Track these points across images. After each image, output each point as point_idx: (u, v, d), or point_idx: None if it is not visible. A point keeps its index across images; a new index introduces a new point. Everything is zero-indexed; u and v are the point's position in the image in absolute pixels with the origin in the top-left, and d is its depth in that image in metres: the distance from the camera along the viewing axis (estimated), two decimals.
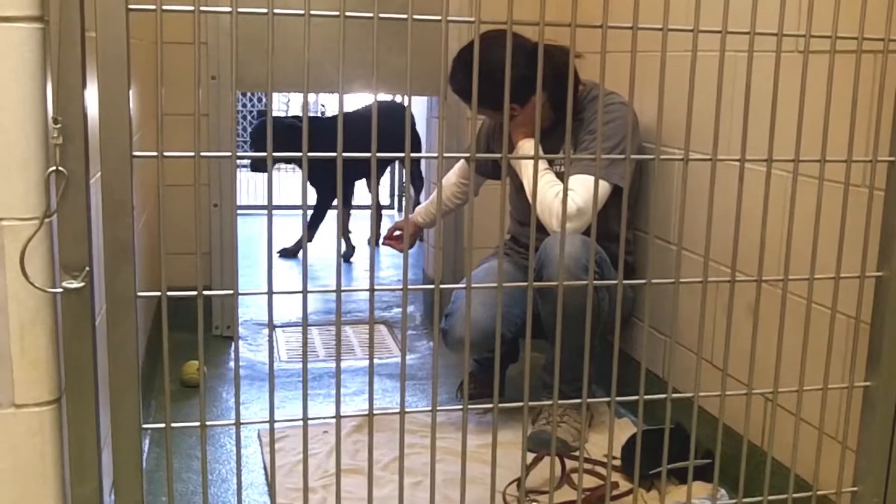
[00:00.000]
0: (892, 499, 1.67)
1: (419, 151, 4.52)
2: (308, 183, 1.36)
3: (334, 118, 4.84)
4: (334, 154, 1.31)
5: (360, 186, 5.66)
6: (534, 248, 1.53)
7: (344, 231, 5.10)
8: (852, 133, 1.54)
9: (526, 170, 2.51)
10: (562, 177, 2.40)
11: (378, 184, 5.47)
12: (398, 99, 5.21)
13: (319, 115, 6.40)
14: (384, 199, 6.74)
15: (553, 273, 2.32)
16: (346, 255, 5.06)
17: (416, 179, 5.38)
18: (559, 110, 2.54)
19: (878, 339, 1.64)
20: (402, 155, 1.38)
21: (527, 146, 2.49)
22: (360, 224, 5.77)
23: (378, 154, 1.33)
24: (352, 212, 5.28)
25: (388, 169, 6.33)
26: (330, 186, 4.87)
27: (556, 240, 2.32)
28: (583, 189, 2.36)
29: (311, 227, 4.98)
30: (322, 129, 4.03)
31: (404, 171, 6.18)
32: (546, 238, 2.42)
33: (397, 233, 3.00)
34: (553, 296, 2.37)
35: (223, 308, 3.43)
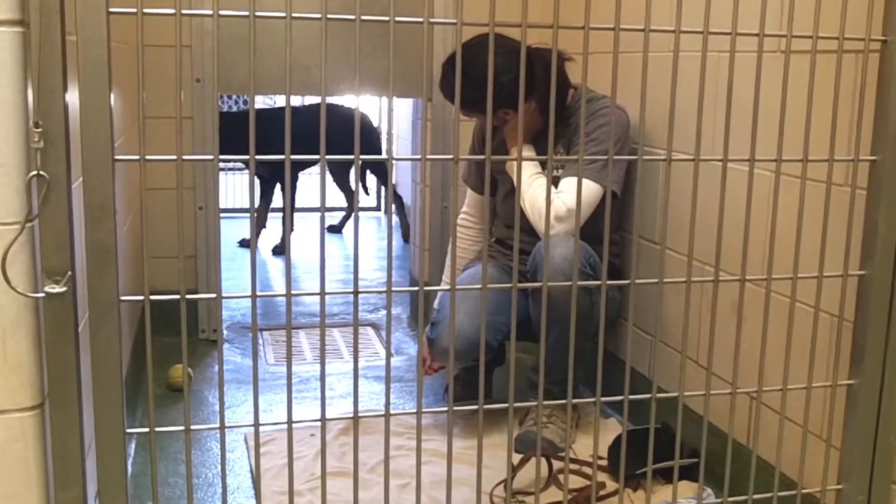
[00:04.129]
0: (877, 497, 1.68)
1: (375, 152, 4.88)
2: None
3: (281, 109, 4.92)
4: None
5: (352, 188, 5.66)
6: (518, 251, 1.53)
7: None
8: (834, 132, 1.54)
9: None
10: (552, 180, 2.40)
11: (293, 181, 5.79)
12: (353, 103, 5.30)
13: (272, 104, 6.51)
14: (371, 202, 6.73)
15: (548, 276, 2.32)
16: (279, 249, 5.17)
17: (382, 177, 5.69)
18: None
19: (861, 338, 1.64)
20: (383, 158, 1.38)
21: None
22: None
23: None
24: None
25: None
26: (269, 172, 5.10)
27: (550, 242, 2.32)
28: (575, 192, 2.36)
29: (260, 215, 5.22)
30: (267, 119, 4.08)
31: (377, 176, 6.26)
32: (538, 242, 2.41)
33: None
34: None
35: (209, 311, 3.42)
